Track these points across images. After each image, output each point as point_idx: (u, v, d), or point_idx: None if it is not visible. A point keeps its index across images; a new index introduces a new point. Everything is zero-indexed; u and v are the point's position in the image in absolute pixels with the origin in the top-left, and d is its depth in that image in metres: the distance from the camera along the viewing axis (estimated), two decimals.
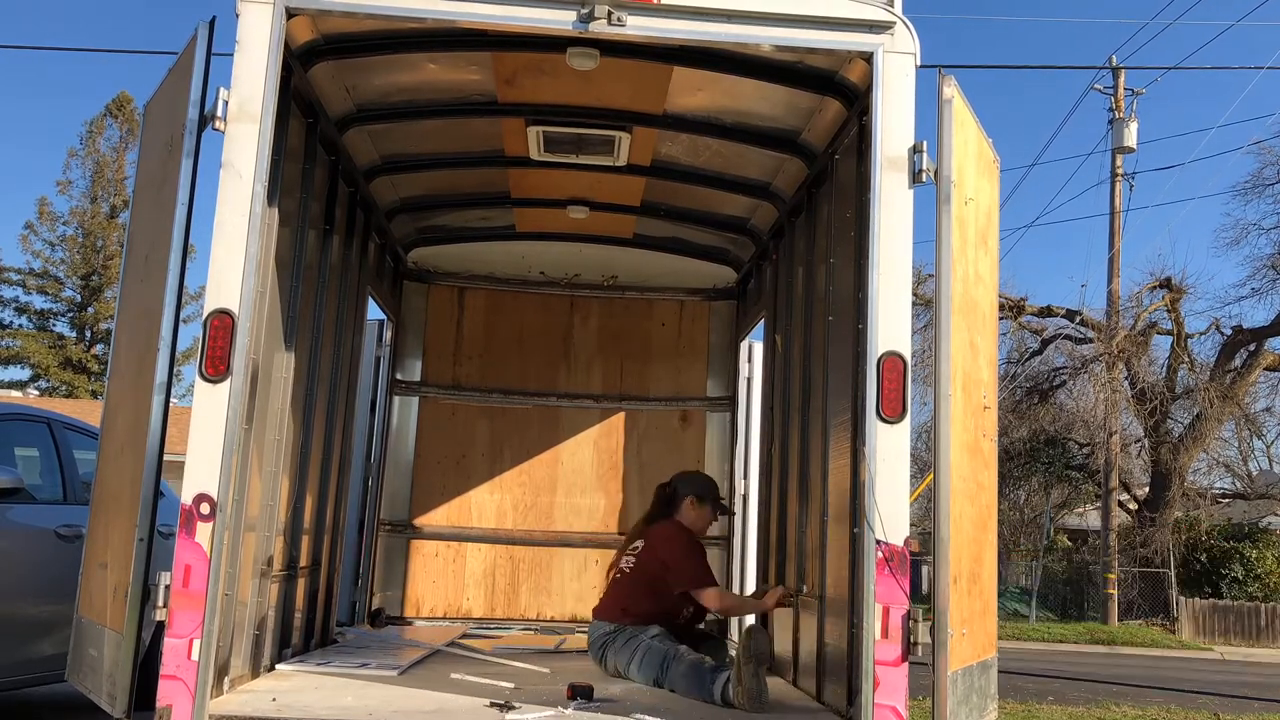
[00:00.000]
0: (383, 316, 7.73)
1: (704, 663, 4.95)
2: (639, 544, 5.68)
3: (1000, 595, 20.09)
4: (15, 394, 32.31)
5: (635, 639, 5.26)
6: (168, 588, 3.75)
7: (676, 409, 8.08)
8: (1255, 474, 31.63)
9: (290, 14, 4.18)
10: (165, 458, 4.02)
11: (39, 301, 42.87)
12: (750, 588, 7.50)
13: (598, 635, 5.47)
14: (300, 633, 5.58)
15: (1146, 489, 26.29)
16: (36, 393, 37.72)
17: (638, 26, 4.24)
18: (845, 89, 4.93)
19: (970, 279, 4.50)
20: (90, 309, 42.78)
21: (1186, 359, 25.41)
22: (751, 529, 7.53)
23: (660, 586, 5.47)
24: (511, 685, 4.83)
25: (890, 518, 3.97)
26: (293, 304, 4.98)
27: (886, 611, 3.92)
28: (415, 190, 6.96)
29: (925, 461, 18.25)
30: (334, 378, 5.95)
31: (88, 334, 43.10)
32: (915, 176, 4.18)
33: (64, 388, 40.65)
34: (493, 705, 4.32)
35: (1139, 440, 26.49)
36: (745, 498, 7.85)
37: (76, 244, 42.81)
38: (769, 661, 4.81)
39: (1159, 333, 25.65)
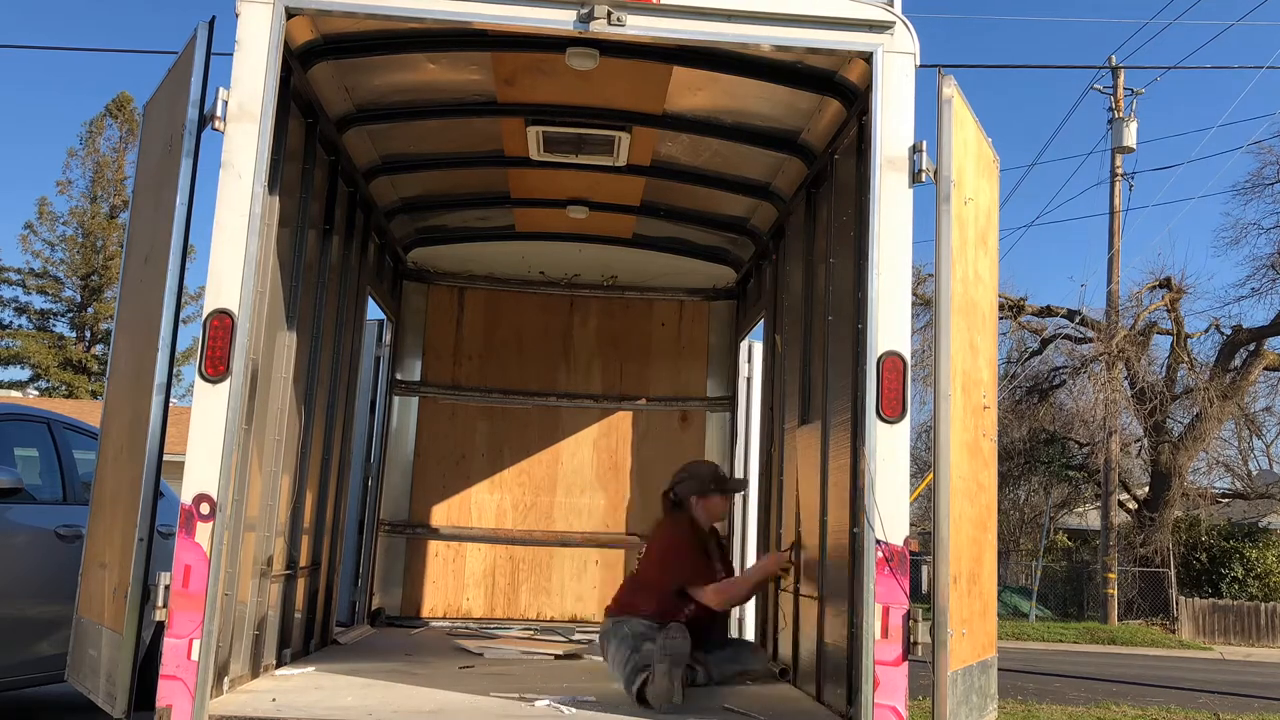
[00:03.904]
0: (382, 316, 7.73)
1: (640, 657, 4.80)
2: (645, 545, 5.76)
3: (1000, 592, 20.10)
4: (15, 394, 32.28)
5: (618, 629, 5.23)
6: (167, 588, 3.75)
7: (676, 409, 8.08)
8: (1255, 474, 31.61)
9: (290, 14, 4.18)
10: (165, 458, 4.02)
11: (39, 301, 42.87)
12: None
13: (600, 631, 5.49)
14: (300, 633, 5.57)
15: (1146, 489, 26.29)
16: (36, 393, 37.67)
17: (637, 26, 4.24)
18: (845, 89, 4.93)
19: (970, 279, 4.50)
20: (90, 309, 42.74)
21: (1186, 359, 25.39)
22: (751, 529, 7.53)
23: (656, 584, 5.44)
24: (514, 684, 4.83)
25: (890, 518, 3.97)
26: (293, 304, 4.98)
27: (886, 611, 3.92)
28: (415, 190, 6.96)
29: (925, 461, 18.23)
30: (334, 378, 5.95)
31: (88, 334, 43.06)
32: (915, 176, 4.18)
33: (64, 388, 40.62)
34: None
35: (1139, 440, 26.48)
36: (745, 498, 7.85)
37: (76, 244, 42.77)
38: (685, 660, 4.67)
39: (1159, 333, 25.63)
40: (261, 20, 4.09)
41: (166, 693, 3.69)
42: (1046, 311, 26.05)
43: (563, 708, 4.28)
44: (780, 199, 6.32)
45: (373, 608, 7.55)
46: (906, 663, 3.91)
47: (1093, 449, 26.04)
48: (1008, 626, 21.08)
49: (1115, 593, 24.23)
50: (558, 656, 6.09)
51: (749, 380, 7.91)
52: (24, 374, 41.90)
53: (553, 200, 7.11)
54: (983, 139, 4.75)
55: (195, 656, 3.72)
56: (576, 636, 7.17)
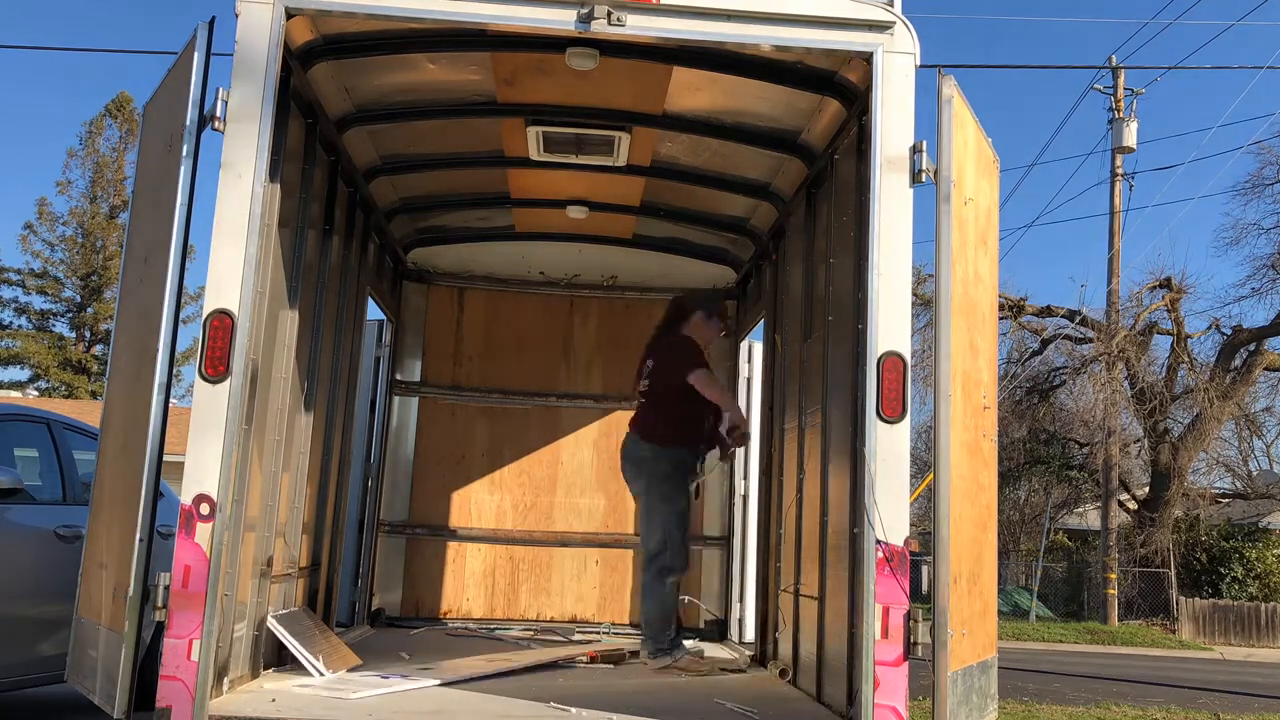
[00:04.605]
0: (382, 316, 7.73)
1: (671, 612, 5.68)
2: (650, 362, 6.09)
3: (1000, 591, 20.10)
4: (15, 394, 32.28)
5: (661, 478, 5.82)
6: (167, 588, 3.75)
7: None
8: (1255, 474, 31.62)
9: (290, 14, 4.18)
10: (165, 458, 4.02)
11: (39, 302, 42.85)
12: (750, 588, 7.49)
13: (635, 451, 5.97)
14: None
15: (1146, 489, 26.27)
16: (36, 393, 37.66)
17: (637, 26, 4.24)
18: (845, 89, 4.93)
19: (970, 279, 4.50)
20: (90, 309, 42.72)
21: (1186, 359, 25.36)
22: (751, 529, 7.52)
23: (684, 397, 5.87)
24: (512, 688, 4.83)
25: (890, 518, 3.97)
26: (293, 304, 4.98)
27: (886, 611, 3.92)
28: (415, 190, 6.96)
29: (925, 461, 18.24)
30: (334, 378, 5.95)
31: (88, 334, 43.04)
32: (915, 176, 4.18)
33: (64, 388, 40.59)
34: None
35: (1139, 440, 26.47)
36: (745, 498, 7.85)
37: (76, 244, 42.75)
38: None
39: (1159, 333, 25.61)
40: (261, 20, 4.09)
41: (166, 693, 3.69)
42: (1046, 311, 26.02)
43: (565, 708, 4.27)
44: (780, 199, 6.32)
45: (373, 608, 7.54)
46: (907, 663, 3.91)
47: (1093, 449, 26.04)
48: (1008, 627, 21.08)
49: (1115, 593, 24.22)
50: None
51: (749, 380, 7.90)
52: (24, 374, 41.93)
53: (552, 200, 7.11)
54: (983, 139, 4.75)
55: (195, 656, 3.72)
56: (576, 637, 7.17)
